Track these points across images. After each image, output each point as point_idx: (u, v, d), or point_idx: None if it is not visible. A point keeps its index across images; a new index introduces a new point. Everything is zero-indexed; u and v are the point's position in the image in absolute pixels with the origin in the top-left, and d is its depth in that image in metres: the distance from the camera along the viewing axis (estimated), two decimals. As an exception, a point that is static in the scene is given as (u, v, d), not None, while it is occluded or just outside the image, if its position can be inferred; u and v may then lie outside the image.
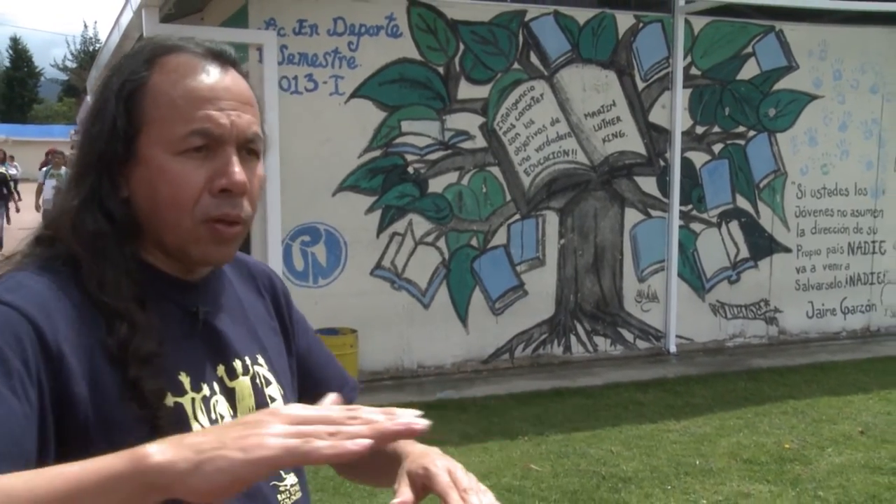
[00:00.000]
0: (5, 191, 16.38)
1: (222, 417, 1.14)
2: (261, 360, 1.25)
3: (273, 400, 1.23)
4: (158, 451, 0.78)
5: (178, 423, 1.07)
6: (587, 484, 4.96)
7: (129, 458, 0.79)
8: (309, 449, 0.77)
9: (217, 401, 1.15)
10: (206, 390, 1.14)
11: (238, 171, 1.09)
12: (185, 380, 1.11)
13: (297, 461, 0.79)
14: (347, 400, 1.29)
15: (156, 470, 0.77)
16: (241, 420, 0.83)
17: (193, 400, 1.11)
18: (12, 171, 19.19)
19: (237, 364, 1.20)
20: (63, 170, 14.67)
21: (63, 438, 0.99)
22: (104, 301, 1.05)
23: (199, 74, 1.11)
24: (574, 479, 5.01)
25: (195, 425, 1.09)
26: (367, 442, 0.79)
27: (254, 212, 1.15)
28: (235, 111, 1.10)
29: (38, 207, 15.46)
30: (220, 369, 1.18)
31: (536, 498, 4.73)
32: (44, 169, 16.24)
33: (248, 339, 1.24)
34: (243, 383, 1.20)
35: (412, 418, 0.83)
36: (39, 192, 15.51)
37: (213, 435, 0.80)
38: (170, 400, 1.08)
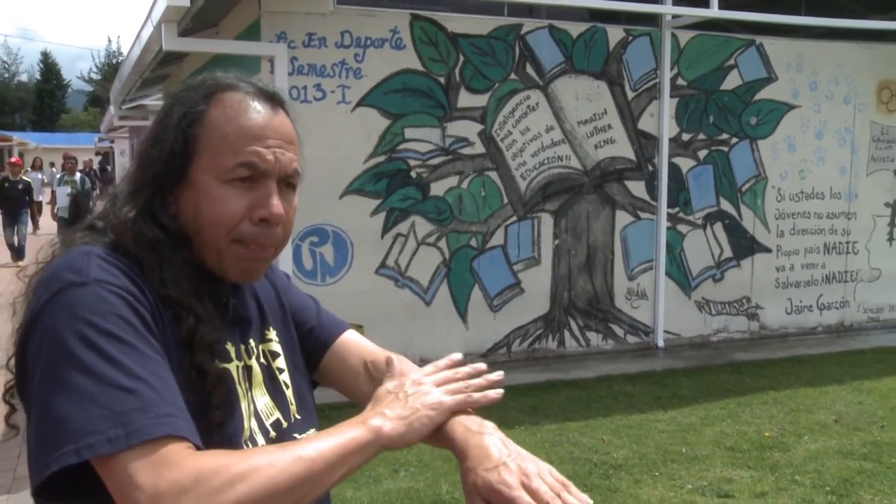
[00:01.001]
0: (27, 198, 15.23)
1: (248, 391, 1.22)
2: (269, 335, 1.32)
3: (281, 371, 1.31)
4: (384, 423, 1.09)
5: (229, 389, 1.16)
6: (580, 470, 4.94)
7: (367, 430, 1.07)
8: (472, 400, 1.17)
9: (243, 374, 1.23)
10: (244, 361, 1.23)
11: (276, 203, 1.17)
12: (231, 349, 1.21)
13: (465, 407, 1.15)
14: (334, 333, 1.47)
15: (387, 436, 1.08)
16: (404, 391, 1.15)
17: (238, 367, 1.21)
18: (39, 176, 18.20)
19: (252, 343, 1.27)
20: (77, 175, 13.89)
21: None
22: (169, 296, 1.11)
23: (251, 113, 1.17)
24: (567, 466, 5.00)
25: (238, 389, 1.19)
26: (500, 391, 1.20)
27: (286, 238, 1.23)
28: (280, 149, 1.17)
29: (53, 216, 14.10)
30: (242, 348, 1.25)
31: (532, 484, 4.69)
32: (57, 175, 14.78)
33: (259, 320, 1.32)
34: (254, 362, 1.26)
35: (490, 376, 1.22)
36: (53, 200, 14.00)
37: (401, 406, 1.12)
38: (220, 366, 1.16)
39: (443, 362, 1.21)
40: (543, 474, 1.06)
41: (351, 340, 1.43)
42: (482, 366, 1.20)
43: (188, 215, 1.16)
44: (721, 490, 4.66)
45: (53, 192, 13.85)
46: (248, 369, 1.24)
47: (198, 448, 0.97)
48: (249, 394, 1.22)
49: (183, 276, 1.13)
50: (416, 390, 1.13)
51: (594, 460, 5.11)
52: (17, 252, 14.55)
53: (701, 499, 4.56)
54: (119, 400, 0.95)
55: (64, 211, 13.07)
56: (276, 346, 1.32)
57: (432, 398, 1.12)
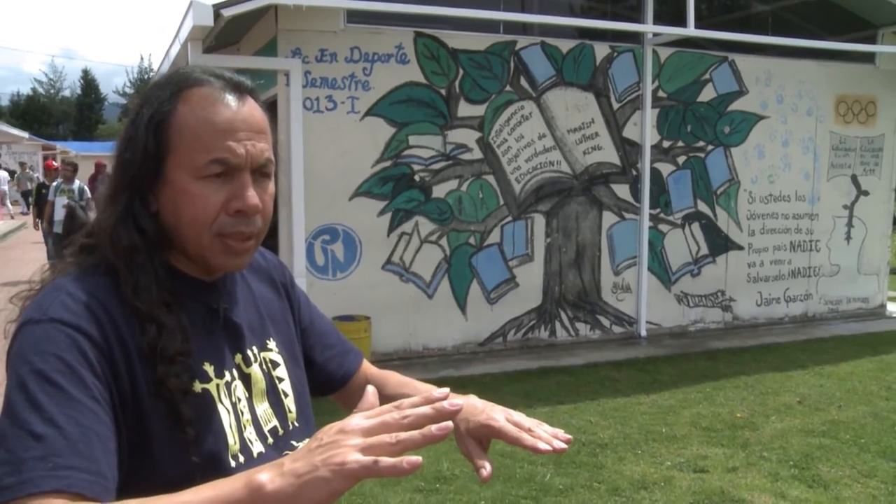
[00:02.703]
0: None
1: (240, 400, 1.11)
2: (269, 344, 1.22)
3: (280, 380, 1.20)
4: (269, 481, 0.81)
5: (206, 406, 1.05)
6: (569, 449, 4.85)
7: (246, 488, 0.82)
8: (380, 468, 0.80)
9: (236, 385, 1.12)
10: (227, 377, 1.11)
11: (251, 194, 1.07)
12: (209, 369, 1.08)
13: (373, 475, 0.81)
14: (356, 364, 1.41)
15: (271, 497, 0.81)
16: (320, 442, 0.83)
17: (218, 385, 1.08)
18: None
19: (250, 352, 1.17)
20: (76, 184, 10.67)
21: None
22: (137, 305, 1.02)
23: (219, 107, 1.07)
24: (558, 446, 4.93)
25: (220, 407, 1.07)
26: (418, 459, 0.81)
27: (265, 225, 1.12)
28: (251, 140, 1.07)
29: (42, 226, 11.05)
30: (238, 357, 1.14)
31: (526, 461, 4.66)
32: (53, 184, 10.84)
33: (259, 328, 1.21)
34: (256, 369, 1.16)
35: (447, 404, 0.86)
36: (50, 211, 10.50)
37: (305, 460, 0.82)
38: (198, 387, 1.05)
39: (406, 402, 0.87)
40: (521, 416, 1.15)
41: (370, 369, 1.41)
42: (440, 394, 0.88)
43: (168, 213, 1.07)
44: (697, 466, 4.64)
45: (51, 203, 10.57)
46: (246, 377, 1.14)
47: (100, 495, 0.87)
48: (250, 402, 1.13)
49: (154, 284, 1.04)
50: (332, 440, 0.83)
51: (582, 440, 5.06)
52: None
53: (679, 474, 4.53)
54: (24, 445, 0.86)
55: (59, 225, 10.15)
56: (276, 356, 1.21)
57: (338, 457, 0.81)
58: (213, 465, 1.01)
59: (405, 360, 7.04)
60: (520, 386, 6.30)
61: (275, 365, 1.20)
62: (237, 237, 1.08)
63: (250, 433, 1.10)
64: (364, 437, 0.82)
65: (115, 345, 0.98)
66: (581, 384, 6.39)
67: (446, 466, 4.56)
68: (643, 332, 8.14)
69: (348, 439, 0.82)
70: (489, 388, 6.25)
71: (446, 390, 0.89)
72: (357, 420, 0.85)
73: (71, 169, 10.90)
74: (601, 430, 5.26)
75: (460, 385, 6.23)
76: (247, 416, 1.11)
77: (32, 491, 0.83)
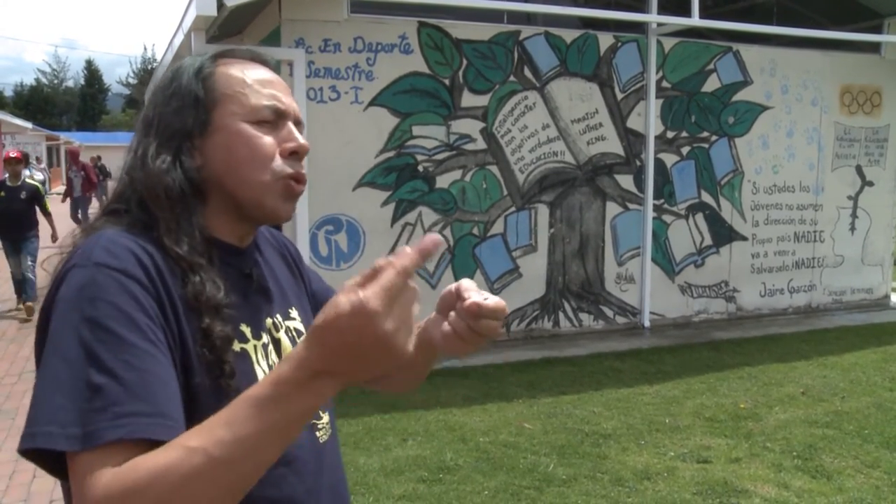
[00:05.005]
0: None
1: (274, 364, 1.13)
2: (292, 313, 1.24)
3: None
4: (332, 393, 0.84)
5: (244, 366, 1.06)
6: (573, 440, 4.89)
7: (314, 405, 0.84)
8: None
9: (271, 349, 1.14)
10: (264, 338, 1.13)
11: (301, 137, 1.14)
12: (245, 330, 1.10)
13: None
14: None
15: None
16: (358, 342, 0.80)
17: (255, 346, 1.11)
18: (38, 176, 10.55)
19: (278, 318, 1.19)
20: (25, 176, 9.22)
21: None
22: (181, 254, 1.02)
23: (258, 67, 1.16)
24: (561, 436, 4.95)
25: (258, 369, 1.09)
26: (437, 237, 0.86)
27: None
28: (288, 97, 1.15)
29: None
30: (268, 322, 1.16)
31: (529, 452, 4.67)
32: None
33: (280, 297, 1.23)
34: (283, 336, 1.18)
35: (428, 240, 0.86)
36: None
37: (358, 364, 0.82)
38: (237, 346, 1.06)
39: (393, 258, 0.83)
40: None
41: None
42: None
43: (219, 160, 1.09)
44: (700, 456, 4.64)
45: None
46: (277, 342, 1.15)
47: (166, 435, 0.87)
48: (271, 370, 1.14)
49: (198, 237, 1.06)
50: (373, 339, 0.81)
51: (586, 430, 5.06)
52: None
53: (682, 464, 4.52)
54: (83, 396, 0.87)
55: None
56: (299, 325, 1.23)
57: (395, 351, 0.82)
58: None
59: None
60: (523, 376, 6.30)
61: (299, 333, 1.22)
62: (296, 177, 1.12)
63: None
64: (392, 316, 0.80)
65: (161, 291, 0.98)
66: (584, 374, 6.39)
67: (450, 457, 4.57)
68: (647, 323, 8.12)
69: (386, 326, 0.79)
70: (492, 378, 6.25)
71: (437, 237, 0.88)
72: (374, 304, 0.78)
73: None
74: (604, 420, 5.26)
75: (463, 375, 6.25)
76: None
77: (96, 443, 0.85)
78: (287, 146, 1.12)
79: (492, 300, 1.08)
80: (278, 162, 1.10)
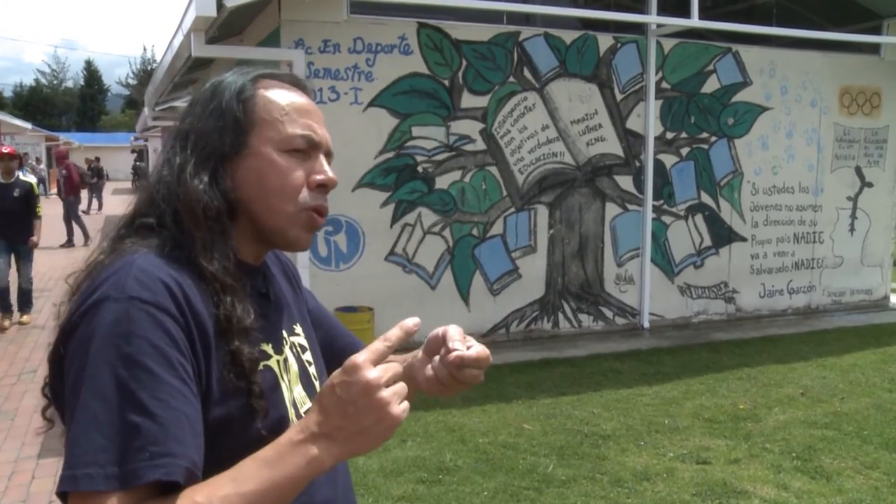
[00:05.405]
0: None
1: (289, 380, 1.17)
2: (297, 329, 1.25)
3: (310, 364, 1.24)
4: (329, 457, 0.91)
5: (271, 384, 1.09)
6: (572, 441, 4.89)
7: (308, 467, 0.90)
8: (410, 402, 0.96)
9: (291, 362, 1.18)
10: (285, 353, 1.16)
11: (330, 171, 1.16)
12: (267, 347, 1.12)
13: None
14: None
15: (330, 466, 0.92)
16: (354, 404, 0.90)
17: (278, 362, 1.13)
18: (31, 178, 8.64)
19: (285, 335, 1.20)
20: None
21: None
22: (216, 276, 1.03)
23: (297, 93, 1.16)
24: (561, 437, 4.95)
25: (282, 384, 1.12)
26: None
27: None
28: (322, 128, 1.16)
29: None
30: (284, 335, 1.20)
31: (528, 452, 4.67)
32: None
33: (287, 314, 1.25)
34: (288, 353, 1.20)
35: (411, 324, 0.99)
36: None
37: (351, 424, 0.90)
38: (261, 364, 1.08)
39: (388, 334, 0.97)
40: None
41: None
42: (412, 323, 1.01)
43: (249, 184, 1.10)
44: (700, 457, 4.64)
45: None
46: (285, 361, 1.17)
47: (188, 481, 0.91)
48: (289, 385, 1.16)
49: (230, 259, 1.07)
50: (367, 402, 0.91)
51: (585, 431, 5.06)
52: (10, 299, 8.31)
53: (681, 465, 4.52)
54: (122, 434, 0.88)
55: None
56: (303, 341, 1.25)
57: (388, 418, 0.91)
58: (278, 436, 1.03)
59: (407, 352, 7.03)
60: (522, 377, 6.29)
61: (303, 349, 1.24)
62: (318, 210, 1.14)
63: (292, 414, 1.14)
64: (387, 387, 0.91)
65: (190, 320, 0.98)
66: (584, 375, 6.39)
67: (449, 457, 4.57)
68: (646, 324, 8.13)
69: (380, 392, 0.90)
70: (492, 379, 6.25)
71: (416, 320, 1.01)
72: (372, 373, 0.90)
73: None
74: (604, 421, 5.26)
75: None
76: (290, 395, 1.16)
77: (136, 483, 0.87)
78: (315, 178, 1.14)
79: (475, 349, 1.12)
80: (304, 194, 1.12)
